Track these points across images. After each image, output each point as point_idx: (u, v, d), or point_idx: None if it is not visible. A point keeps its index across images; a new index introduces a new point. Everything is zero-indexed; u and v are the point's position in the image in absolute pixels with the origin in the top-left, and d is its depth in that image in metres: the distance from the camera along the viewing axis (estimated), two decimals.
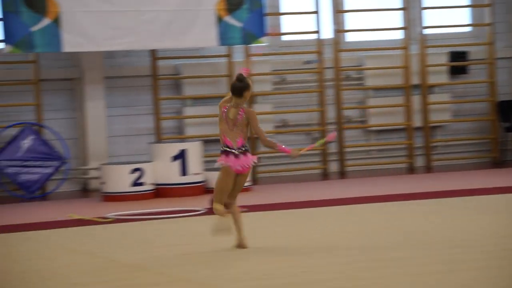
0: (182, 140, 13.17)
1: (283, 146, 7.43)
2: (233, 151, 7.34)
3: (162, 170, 11.79)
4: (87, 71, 13.16)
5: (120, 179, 11.58)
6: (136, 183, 11.59)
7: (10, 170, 12.46)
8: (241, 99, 7.30)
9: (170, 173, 11.77)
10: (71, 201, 11.94)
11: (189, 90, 13.84)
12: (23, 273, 6.60)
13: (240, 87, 7.31)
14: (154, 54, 13.40)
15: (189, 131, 13.71)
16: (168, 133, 13.66)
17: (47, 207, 11.54)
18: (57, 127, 13.05)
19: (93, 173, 12.92)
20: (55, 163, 12.67)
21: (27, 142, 12.57)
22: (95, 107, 13.16)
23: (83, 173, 13.20)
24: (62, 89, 13.35)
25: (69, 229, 9.04)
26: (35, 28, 12.03)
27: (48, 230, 8.97)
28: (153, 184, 11.76)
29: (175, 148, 11.89)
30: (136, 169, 11.64)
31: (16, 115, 12.99)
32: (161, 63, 13.53)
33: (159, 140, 13.25)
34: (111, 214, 9.82)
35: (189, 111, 13.76)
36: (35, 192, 12.59)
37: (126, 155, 13.38)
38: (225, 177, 7.26)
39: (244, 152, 7.36)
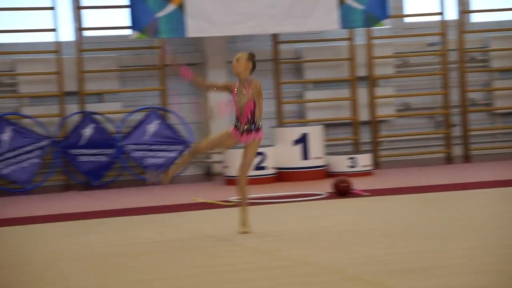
0: (304, 124, 13.19)
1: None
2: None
3: (284, 154, 11.85)
4: (210, 56, 13.32)
5: None
6: (258, 167, 11.68)
7: (137, 154, 12.77)
8: None
9: (291, 157, 11.82)
10: (195, 184, 12.14)
11: (310, 73, 13.84)
12: (149, 254, 6.76)
13: None
14: (275, 38, 13.44)
15: (310, 115, 13.72)
16: (290, 117, 13.70)
17: (172, 190, 11.75)
18: (181, 111, 13.28)
19: (216, 157, 13.10)
20: (180, 147, 12.91)
21: (152, 127, 12.84)
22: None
23: (206, 157, 13.39)
24: None
25: (193, 212, 9.19)
26: (161, 14, 12.25)
27: (172, 213, 9.15)
28: (275, 168, 11.82)
29: (296, 132, 11.92)
30: (258, 153, 11.72)
31: (142, 100, 13.29)
32: (282, 47, 13.56)
33: (280, 124, 13.31)
34: (234, 198, 9.92)
35: (310, 95, 13.76)
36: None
37: None
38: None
39: None
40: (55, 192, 12.05)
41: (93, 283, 5.84)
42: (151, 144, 12.80)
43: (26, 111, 12.74)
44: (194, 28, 12.37)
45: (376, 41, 13.75)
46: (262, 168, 11.70)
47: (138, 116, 12.97)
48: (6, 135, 12.35)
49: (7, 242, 7.79)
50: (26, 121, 12.66)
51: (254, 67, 7.53)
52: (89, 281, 5.91)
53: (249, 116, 7.52)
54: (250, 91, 7.42)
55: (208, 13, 12.40)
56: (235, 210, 9.18)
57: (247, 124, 7.54)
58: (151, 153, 12.80)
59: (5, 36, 13.03)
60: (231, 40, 13.53)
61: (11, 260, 6.83)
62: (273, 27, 12.81)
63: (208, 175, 13.22)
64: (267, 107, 13.67)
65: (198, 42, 13.41)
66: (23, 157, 12.39)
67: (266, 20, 12.63)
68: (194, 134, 13.23)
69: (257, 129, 7.58)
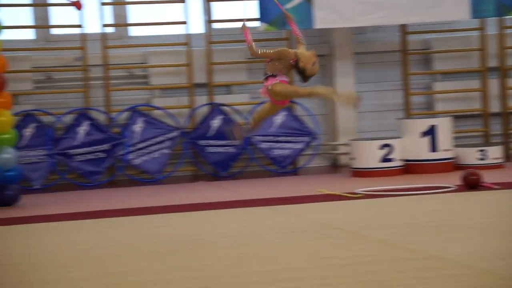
0: (432, 115, 13.01)
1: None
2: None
3: (411, 146, 11.73)
4: (337, 47, 13.29)
5: (369, 155, 11.64)
6: (385, 159, 11.60)
7: (263, 145, 12.87)
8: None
9: (419, 149, 11.68)
10: (321, 176, 12.15)
11: (439, 64, 13.62)
12: (275, 245, 6.82)
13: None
14: (404, 29, 13.29)
15: (439, 107, 13.51)
16: (417, 108, 13.53)
17: (298, 181, 11.81)
18: (308, 103, 13.31)
19: (342, 149, 13.07)
20: (306, 139, 12.95)
21: (279, 118, 12.92)
22: (345, 83, 13.28)
23: (332, 149, 13.39)
24: None
25: (318, 204, 9.20)
26: (289, 5, 12.30)
27: (298, 205, 9.19)
28: (401, 160, 11.71)
29: (424, 123, 11.77)
30: (385, 145, 11.65)
31: None
32: (410, 37, 13.40)
33: (408, 115, 13.16)
34: (360, 190, 9.88)
35: (439, 86, 13.55)
36: (287, 167, 12.93)
37: (375, 130, 13.42)
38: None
39: None
40: (184, 182, 12.28)
41: (224, 271, 5.94)
42: (278, 136, 12.89)
43: (157, 102, 13.02)
44: (321, 19, 12.36)
45: (508, 31, 13.41)
46: (389, 160, 11.61)
47: None
48: (138, 126, 12.67)
49: (138, 230, 8.00)
50: (157, 112, 12.95)
51: (297, 70, 7.82)
52: (217, 268, 6.01)
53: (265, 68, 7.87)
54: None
55: (336, 4, 12.37)
56: (362, 202, 9.15)
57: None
58: (278, 145, 12.89)
59: (137, 29, 13.36)
60: (359, 31, 13.46)
61: (147, 246, 7.04)
62: (402, 18, 12.66)
63: (334, 167, 13.21)
64: (394, 98, 13.56)
65: (325, 34, 13.40)
66: (154, 147, 12.68)
67: (395, 11, 12.50)
68: (321, 126, 13.24)
69: (266, 79, 7.85)
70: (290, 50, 7.96)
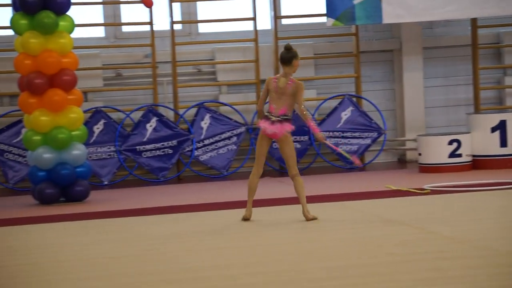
0: (503, 110, 12.81)
1: (314, 125, 7.76)
2: (272, 117, 7.74)
3: (481, 141, 11.57)
4: (406, 42, 13.18)
5: (437, 150, 11.51)
6: (453, 154, 11.46)
7: (330, 141, 12.82)
8: (290, 67, 7.69)
9: (488, 145, 11.52)
10: (388, 172, 12.07)
11: (511, 58, 13.41)
12: (345, 241, 6.80)
13: (289, 56, 7.73)
14: (474, 23, 13.09)
15: (510, 101, 13.30)
16: (487, 103, 13.33)
17: (365, 177, 11.75)
18: (375, 98, 13.23)
19: (409, 144, 12.96)
20: (373, 134, 12.86)
21: (346, 114, 12.86)
22: (413, 78, 13.16)
23: (400, 144, 13.28)
24: (380, 61, 13.49)
25: (386, 199, 9.14)
26: (357, 1, 12.24)
27: (365, 200, 9.14)
28: (470, 155, 11.56)
29: (494, 119, 11.59)
30: (454, 140, 11.51)
31: (335, 87, 13.33)
32: (481, 31, 13.20)
33: (477, 110, 12.99)
34: (428, 186, 9.79)
35: (510, 80, 13.35)
36: (353, 163, 12.85)
37: (443, 126, 13.27)
38: (259, 140, 7.83)
39: (281, 121, 7.74)
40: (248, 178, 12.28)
41: (289, 267, 5.94)
42: (345, 131, 12.83)
43: (224, 98, 13.08)
44: (390, 14, 12.27)
45: None
46: (458, 155, 11.46)
47: (332, 103, 13.03)
48: (205, 122, 12.74)
49: (204, 226, 8.06)
50: (224, 108, 13.00)
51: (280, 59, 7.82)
52: (283, 263, 6.02)
53: (287, 109, 7.80)
54: (293, 85, 7.74)
55: None
56: (429, 198, 9.06)
57: (284, 115, 7.82)
58: (344, 140, 12.83)
59: (205, 26, 13.43)
60: (428, 25, 13.32)
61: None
62: (473, 11, 12.47)
63: (402, 162, 13.11)
64: (464, 93, 13.39)
65: (394, 28, 13.30)
66: (221, 143, 12.75)
67: (466, 4, 12.32)
68: (388, 121, 13.14)
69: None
70: (269, 77, 7.91)
